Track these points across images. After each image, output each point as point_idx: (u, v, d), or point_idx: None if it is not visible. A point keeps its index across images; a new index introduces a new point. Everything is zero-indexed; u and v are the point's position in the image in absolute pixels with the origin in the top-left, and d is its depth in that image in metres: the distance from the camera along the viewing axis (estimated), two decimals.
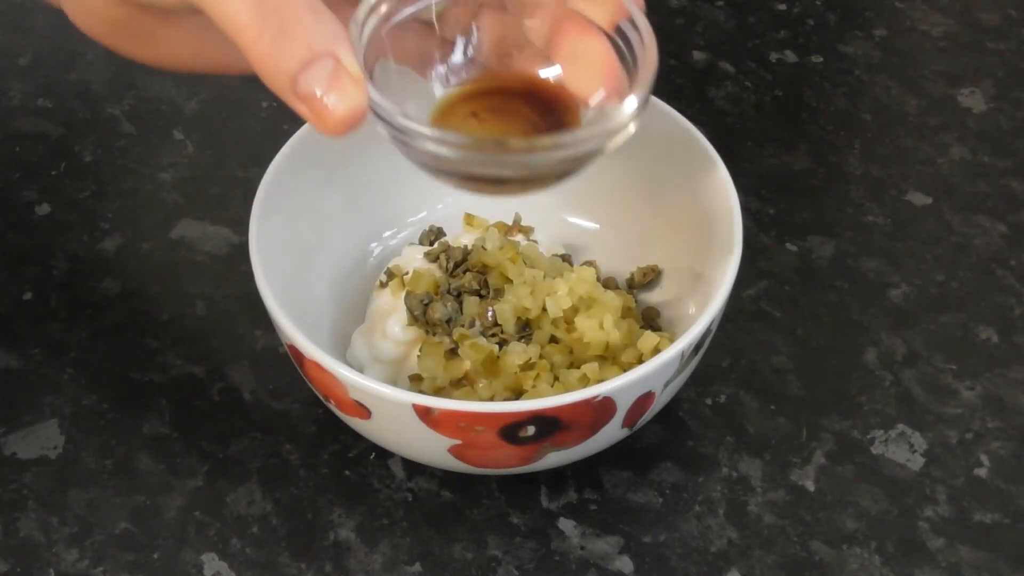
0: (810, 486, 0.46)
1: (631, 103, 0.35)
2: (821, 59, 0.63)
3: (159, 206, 0.55)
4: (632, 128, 0.35)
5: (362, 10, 0.35)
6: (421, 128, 0.33)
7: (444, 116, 0.38)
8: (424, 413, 0.39)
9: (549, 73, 0.38)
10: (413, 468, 0.46)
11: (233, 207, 0.55)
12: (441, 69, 0.39)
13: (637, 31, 0.36)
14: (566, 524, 0.45)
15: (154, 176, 0.57)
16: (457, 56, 0.39)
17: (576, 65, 0.36)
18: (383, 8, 0.36)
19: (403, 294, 0.46)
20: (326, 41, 0.32)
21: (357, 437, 0.46)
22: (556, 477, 0.46)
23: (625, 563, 0.44)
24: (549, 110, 0.38)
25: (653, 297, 0.49)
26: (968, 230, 0.55)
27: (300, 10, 0.32)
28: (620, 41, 0.36)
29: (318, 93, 0.32)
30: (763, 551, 0.44)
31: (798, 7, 0.66)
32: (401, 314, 0.45)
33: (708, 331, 0.42)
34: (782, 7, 0.67)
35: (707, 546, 0.44)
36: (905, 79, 0.62)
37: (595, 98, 0.36)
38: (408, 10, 0.37)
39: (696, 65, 0.63)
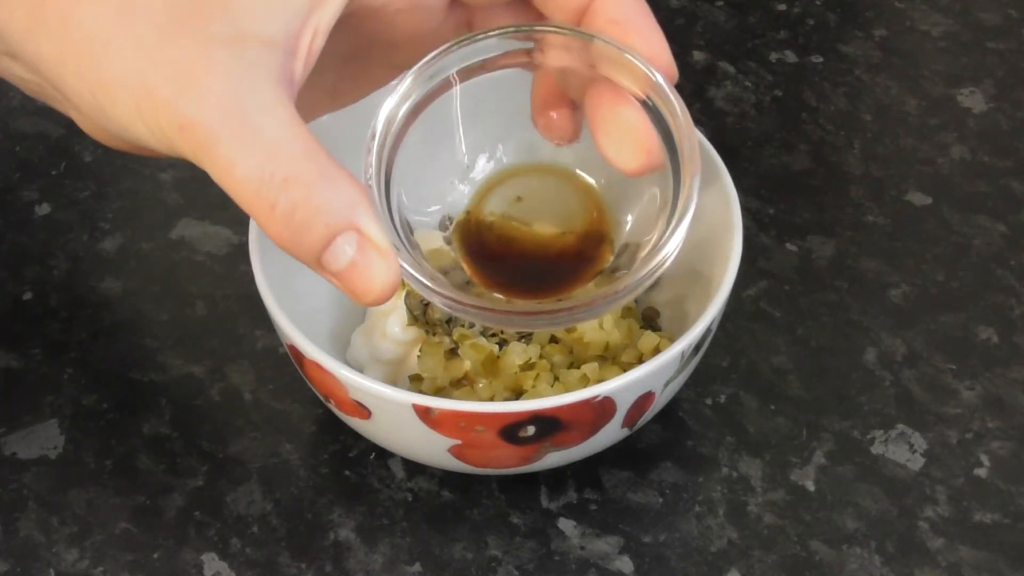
0: (810, 486, 0.46)
1: (675, 240, 0.33)
2: (821, 59, 0.63)
3: (159, 206, 0.55)
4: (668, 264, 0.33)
5: (374, 154, 0.33)
6: (449, 298, 0.32)
7: (487, 191, 0.37)
8: (424, 413, 0.39)
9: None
10: (413, 468, 0.46)
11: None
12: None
13: (668, 107, 0.34)
14: (566, 524, 0.45)
15: (154, 176, 0.57)
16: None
17: (612, 133, 0.34)
18: (395, 127, 0.34)
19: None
20: (344, 212, 0.30)
21: (357, 437, 0.46)
22: (556, 477, 0.46)
23: (625, 563, 0.44)
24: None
25: (653, 297, 0.49)
26: (968, 230, 0.55)
27: (311, 180, 0.29)
28: (651, 115, 0.34)
29: (345, 271, 0.30)
30: (763, 551, 0.44)
31: (798, 7, 0.66)
32: (401, 314, 0.45)
33: (708, 331, 0.42)
34: (782, 7, 0.67)
35: (707, 546, 0.44)
36: (905, 79, 0.62)
37: (633, 169, 0.34)
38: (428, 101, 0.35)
39: (696, 65, 0.63)
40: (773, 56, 0.64)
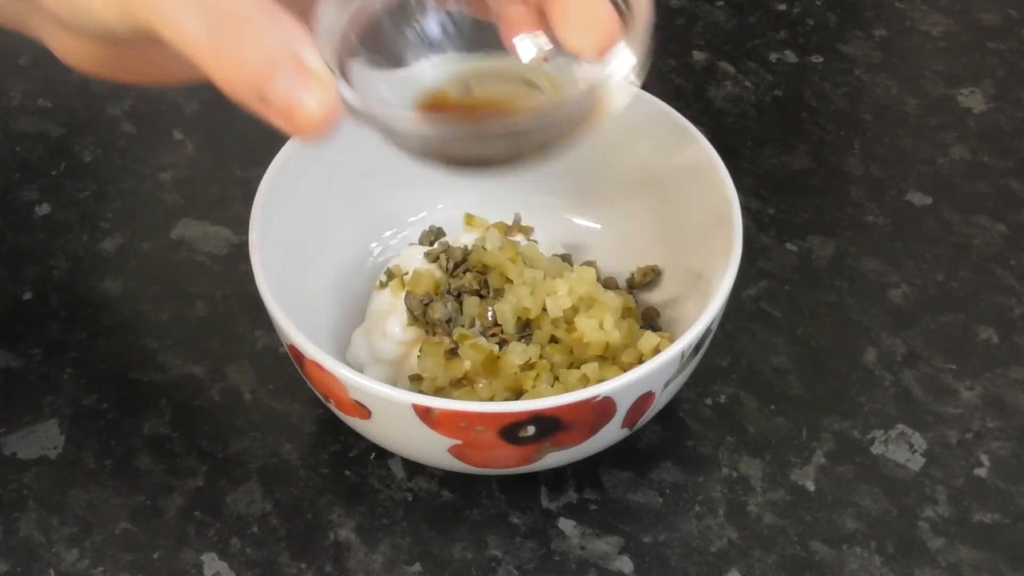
0: (810, 486, 0.46)
1: (623, 59, 0.32)
2: (821, 59, 0.63)
3: (159, 206, 0.55)
4: (623, 89, 0.33)
5: (323, 5, 0.34)
6: (394, 112, 0.32)
7: (437, 99, 0.37)
8: (424, 413, 0.39)
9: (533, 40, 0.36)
10: (413, 468, 0.46)
11: (233, 207, 0.55)
12: (421, 50, 0.37)
13: None
14: (566, 524, 0.45)
15: (154, 176, 0.57)
16: (435, 29, 0.38)
17: (568, 19, 0.34)
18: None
19: (403, 294, 0.46)
20: (285, 44, 0.31)
21: (357, 437, 0.46)
22: (556, 477, 0.46)
23: (625, 563, 0.44)
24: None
25: (653, 297, 0.49)
26: (968, 230, 0.55)
27: (252, 16, 0.31)
28: None
29: (285, 98, 0.31)
30: (763, 551, 0.44)
31: (798, 7, 0.66)
32: (401, 314, 0.45)
33: (708, 331, 0.42)
34: (782, 7, 0.67)
35: (707, 546, 0.44)
36: (905, 79, 0.62)
37: (594, 56, 0.34)
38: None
39: (696, 65, 0.63)
40: (773, 56, 0.64)
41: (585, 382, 0.43)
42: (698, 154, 0.46)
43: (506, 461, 0.42)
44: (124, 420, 0.48)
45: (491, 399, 0.43)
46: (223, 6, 0.31)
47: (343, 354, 0.47)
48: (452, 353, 0.44)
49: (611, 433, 0.42)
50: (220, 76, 0.31)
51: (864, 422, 0.48)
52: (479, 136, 0.33)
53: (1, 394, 0.48)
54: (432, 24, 0.38)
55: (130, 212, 0.55)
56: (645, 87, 0.47)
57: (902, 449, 0.47)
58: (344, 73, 0.33)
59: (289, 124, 0.31)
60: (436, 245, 0.48)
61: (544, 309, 0.44)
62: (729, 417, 0.48)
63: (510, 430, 0.39)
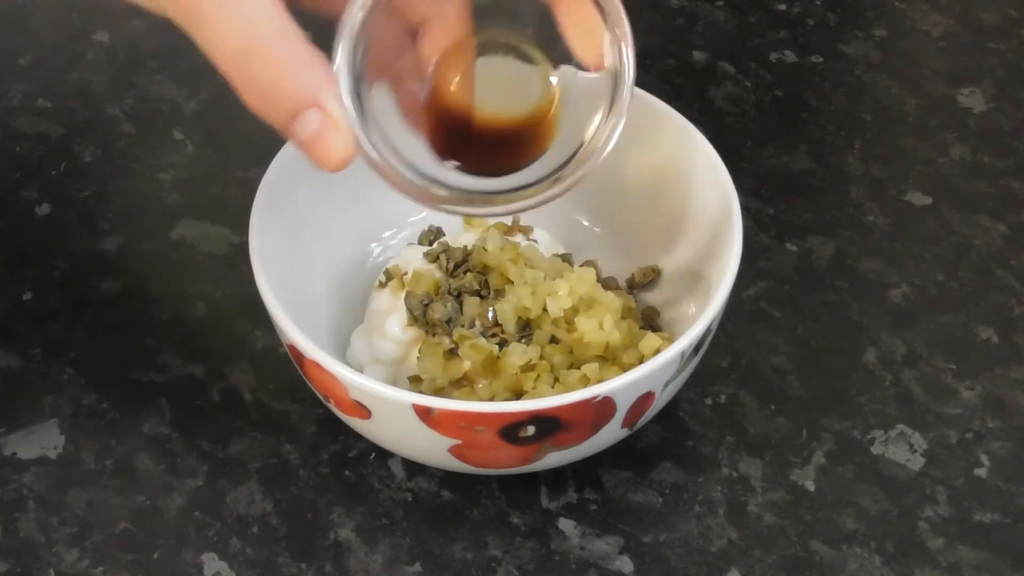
0: (810, 486, 0.46)
1: (612, 130, 0.37)
2: (821, 59, 0.63)
3: (159, 206, 0.55)
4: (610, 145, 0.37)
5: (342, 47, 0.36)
6: (407, 177, 0.36)
7: (450, 54, 0.39)
8: (424, 413, 0.39)
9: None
10: (413, 468, 0.46)
11: (233, 207, 0.55)
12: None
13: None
14: (566, 524, 0.45)
15: (154, 176, 0.57)
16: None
17: (579, 25, 0.37)
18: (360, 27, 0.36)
19: (403, 294, 0.46)
20: (311, 90, 0.34)
21: (357, 437, 0.46)
22: (556, 477, 0.46)
23: (625, 563, 0.44)
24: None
25: (653, 297, 0.49)
26: (968, 230, 0.55)
27: (284, 60, 0.34)
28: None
29: (308, 140, 0.34)
30: (763, 551, 0.44)
31: (798, 7, 0.66)
32: (401, 314, 0.45)
33: (708, 331, 0.42)
34: (782, 7, 0.67)
35: (707, 546, 0.44)
36: (905, 79, 0.62)
37: (594, 70, 0.37)
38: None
39: (696, 65, 0.63)
40: (773, 56, 0.64)
41: (585, 382, 0.43)
42: (698, 154, 0.46)
43: (506, 461, 0.42)
44: (124, 420, 0.48)
45: (491, 399, 0.43)
46: (263, 33, 0.34)
47: (343, 354, 0.47)
48: (452, 353, 0.44)
49: (611, 433, 0.42)
50: (248, 98, 0.34)
51: (864, 422, 0.48)
52: (484, 211, 0.38)
53: (1, 394, 0.48)
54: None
55: (130, 212, 0.55)
56: (645, 87, 0.48)
57: (902, 449, 0.47)
58: (362, 98, 0.36)
59: (311, 159, 0.35)
60: (435, 245, 0.48)
61: (544, 309, 0.44)
62: (729, 417, 0.48)
63: (510, 430, 0.39)
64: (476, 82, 0.39)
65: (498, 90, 0.39)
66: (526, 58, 0.39)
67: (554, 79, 0.39)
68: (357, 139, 0.35)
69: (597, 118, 0.37)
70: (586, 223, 0.52)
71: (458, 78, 0.39)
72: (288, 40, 0.34)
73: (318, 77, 0.34)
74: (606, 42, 0.37)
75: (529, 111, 0.39)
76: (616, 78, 0.37)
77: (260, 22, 0.34)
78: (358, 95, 0.36)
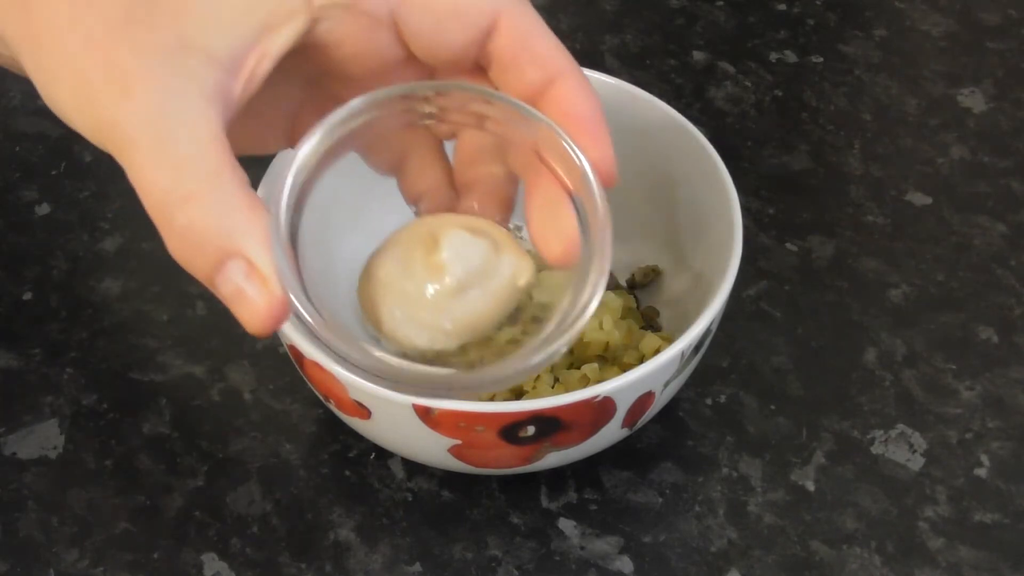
0: (810, 486, 0.46)
1: (568, 337, 0.31)
2: (821, 59, 0.63)
3: None
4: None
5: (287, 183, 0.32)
6: (340, 347, 0.31)
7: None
8: (424, 413, 0.39)
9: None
10: (413, 468, 0.46)
11: None
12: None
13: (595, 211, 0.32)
14: (566, 524, 0.45)
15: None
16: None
17: (546, 220, 0.33)
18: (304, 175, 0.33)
19: None
20: (236, 237, 0.30)
21: (357, 437, 0.46)
22: (556, 477, 0.46)
23: (625, 563, 0.44)
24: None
25: (653, 297, 0.49)
26: (968, 230, 0.55)
27: (210, 201, 0.30)
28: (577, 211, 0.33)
29: (231, 294, 0.31)
30: (763, 551, 0.44)
31: (798, 7, 0.66)
32: None
33: (708, 331, 0.42)
34: (782, 7, 0.67)
35: (707, 546, 0.44)
36: (905, 79, 0.62)
37: (557, 259, 0.32)
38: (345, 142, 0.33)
39: (696, 65, 0.63)
40: (773, 56, 0.64)
41: (585, 382, 0.43)
42: (698, 154, 0.46)
43: (506, 461, 0.42)
44: (124, 420, 0.48)
45: (491, 399, 0.43)
46: (193, 175, 0.30)
47: None
48: None
49: (611, 433, 0.42)
50: (171, 248, 0.31)
51: (864, 422, 0.48)
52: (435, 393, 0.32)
53: (1, 394, 0.48)
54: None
55: (130, 212, 0.55)
56: (645, 87, 0.48)
57: (902, 449, 0.47)
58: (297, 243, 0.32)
59: (235, 314, 0.31)
60: None
61: None
62: (729, 417, 0.48)
63: (510, 430, 0.39)
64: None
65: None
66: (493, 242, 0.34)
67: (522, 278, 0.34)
68: (288, 298, 0.30)
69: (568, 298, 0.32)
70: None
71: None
72: (220, 180, 0.30)
73: (246, 221, 0.30)
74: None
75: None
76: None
77: (194, 160, 0.30)
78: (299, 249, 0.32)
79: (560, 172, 0.33)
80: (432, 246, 0.33)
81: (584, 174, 0.32)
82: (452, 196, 0.36)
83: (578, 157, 0.32)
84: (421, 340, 0.33)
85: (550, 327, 0.32)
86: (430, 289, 0.33)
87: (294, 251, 0.32)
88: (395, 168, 0.37)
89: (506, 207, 0.35)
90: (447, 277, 0.33)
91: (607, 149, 0.33)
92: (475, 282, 0.33)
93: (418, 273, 0.33)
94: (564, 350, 0.31)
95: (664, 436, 0.47)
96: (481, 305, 0.33)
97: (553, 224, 0.33)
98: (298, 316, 0.31)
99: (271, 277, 0.30)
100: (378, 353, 0.31)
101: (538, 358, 0.31)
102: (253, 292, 0.30)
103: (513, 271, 0.33)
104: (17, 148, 0.58)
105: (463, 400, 0.38)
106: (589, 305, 0.32)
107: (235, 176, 0.30)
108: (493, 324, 0.33)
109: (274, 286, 0.30)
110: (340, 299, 0.37)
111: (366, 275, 0.34)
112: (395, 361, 0.32)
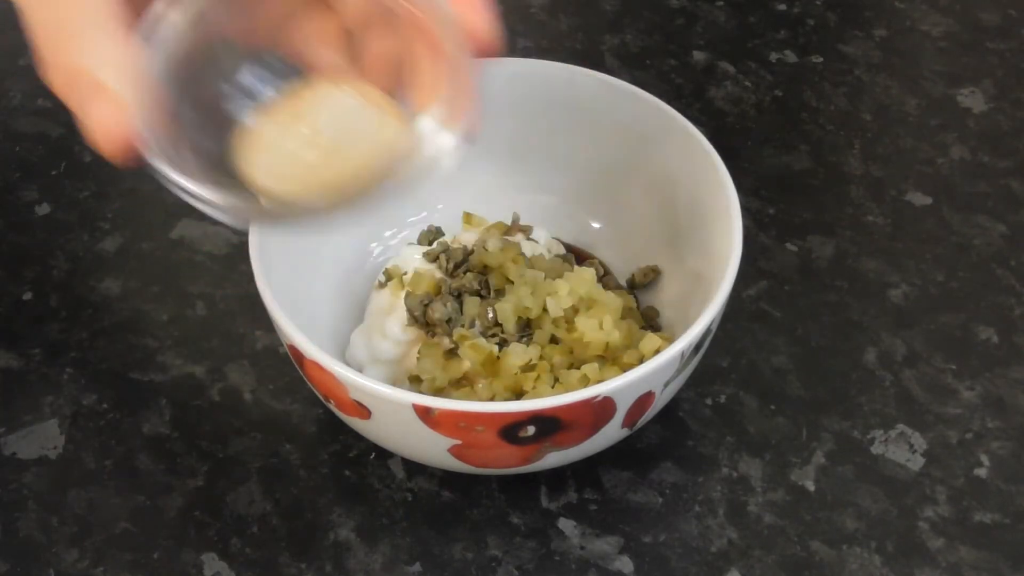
0: (810, 486, 0.46)
1: (444, 136, 0.32)
2: (821, 59, 0.63)
3: (159, 206, 0.55)
4: (436, 159, 0.32)
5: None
6: (188, 186, 0.33)
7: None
8: (424, 413, 0.39)
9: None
10: (413, 468, 0.46)
11: None
12: (241, 101, 0.36)
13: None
14: (566, 524, 0.45)
15: (154, 176, 0.56)
16: (251, 80, 0.36)
17: (419, 79, 0.34)
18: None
19: (403, 294, 0.46)
20: (92, 63, 0.32)
21: (357, 437, 0.46)
22: (556, 477, 0.46)
23: (625, 563, 0.44)
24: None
25: (653, 297, 0.49)
26: (968, 230, 0.55)
27: (83, 33, 0.32)
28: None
29: (77, 110, 0.33)
30: (763, 551, 0.44)
31: (798, 7, 0.66)
32: (400, 314, 0.45)
33: (708, 331, 0.42)
34: (782, 7, 0.67)
35: (707, 546, 0.44)
36: (905, 79, 0.62)
37: (427, 117, 0.33)
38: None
39: (696, 65, 0.63)
40: (773, 56, 0.64)
41: (585, 382, 0.43)
42: (698, 154, 0.46)
43: (506, 461, 0.42)
44: (124, 420, 0.48)
45: (491, 399, 0.43)
46: (66, 12, 0.33)
47: (343, 354, 0.47)
48: (452, 353, 0.44)
49: (611, 433, 0.42)
50: (42, 73, 0.33)
51: (864, 422, 0.48)
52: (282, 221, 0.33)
53: (1, 394, 0.48)
54: (248, 77, 0.37)
55: (130, 212, 0.55)
56: (645, 87, 0.48)
57: (902, 449, 0.47)
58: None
59: (86, 135, 0.33)
60: (435, 245, 0.48)
61: (545, 309, 0.44)
62: (729, 417, 0.48)
63: (510, 430, 0.39)
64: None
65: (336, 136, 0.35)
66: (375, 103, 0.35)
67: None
68: (135, 121, 0.32)
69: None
70: (586, 223, 0.52)
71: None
72: (98, 18, 0.32)
73: (112, 53, 0.32)
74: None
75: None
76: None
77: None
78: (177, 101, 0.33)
79: (440, 39, 0.33)
80: (298, 98, 0.33)
81: (446, 28, 0.32)
82: (342, 62, 0.36)
83: (448, 22, 0.32)
84: (279, 185, 0.33)
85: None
86: (290, 135, 0.33)
87: (170, 95, 0.33)
88: (277, 30, 0.37)
89: (395, 79, 0.36)
90: (304, 127, 0.33)
91: (484, 13, 0.33)
92: (341, 137, 0.33)
93: (280, 120, 0.34)
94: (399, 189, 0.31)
95: (664, 436, 0.47)
96: (346, 159, 0.33)
97: (433, 78, 0.33)
98: (142, 143, 0.32)
99: (118, 95, 0.32)
100: (228, 193, 0.32)
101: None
102: (101, 105, 0.32)
103: (392, 136, 0.33)
104: (17, 148, 0.58)
105: (311, 226, 0.36)
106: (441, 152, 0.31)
107: (113, 14, 0.32)
108: (363, 183, 0.32)
109: (121, 105, 0.32)
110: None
111: (243, 129, 0.35)
112: (241, 197, 0.32)
